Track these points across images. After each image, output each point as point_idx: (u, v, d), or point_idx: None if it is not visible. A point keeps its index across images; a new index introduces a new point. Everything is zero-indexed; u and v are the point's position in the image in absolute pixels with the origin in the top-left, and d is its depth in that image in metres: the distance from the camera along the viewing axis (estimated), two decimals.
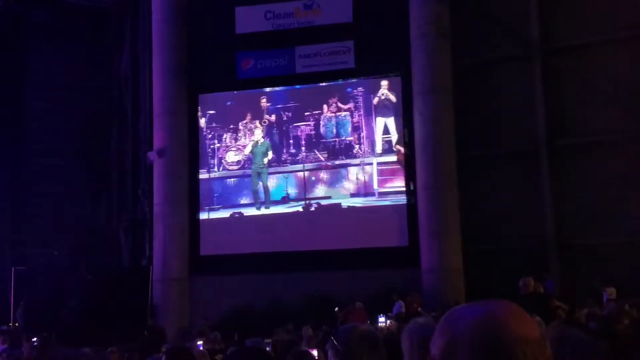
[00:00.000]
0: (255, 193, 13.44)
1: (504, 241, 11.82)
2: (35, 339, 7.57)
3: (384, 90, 12.99)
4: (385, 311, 9.83)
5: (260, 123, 13.55)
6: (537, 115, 12.13)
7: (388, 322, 8.54)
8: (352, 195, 12.99)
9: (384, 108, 13.00)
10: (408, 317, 7.17)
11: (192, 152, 13.58)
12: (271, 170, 13.43)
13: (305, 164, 13.30)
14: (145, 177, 13.97)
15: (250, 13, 13.61)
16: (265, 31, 13.46)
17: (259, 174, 13.45)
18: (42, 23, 14.19)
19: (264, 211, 13.37)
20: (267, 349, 5.24)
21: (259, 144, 13.49)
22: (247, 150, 13.53)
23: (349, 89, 13.23)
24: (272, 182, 13.44)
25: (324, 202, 13.11)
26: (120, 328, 10.67)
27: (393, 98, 12.93)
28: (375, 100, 13.05)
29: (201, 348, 5.76)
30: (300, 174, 13.29)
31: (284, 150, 13.44)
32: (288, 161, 13.40)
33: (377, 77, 13.10)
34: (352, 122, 13.16)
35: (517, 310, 1.04)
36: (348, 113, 13.16)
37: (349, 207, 12.91)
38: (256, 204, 13.41)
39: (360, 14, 12.94)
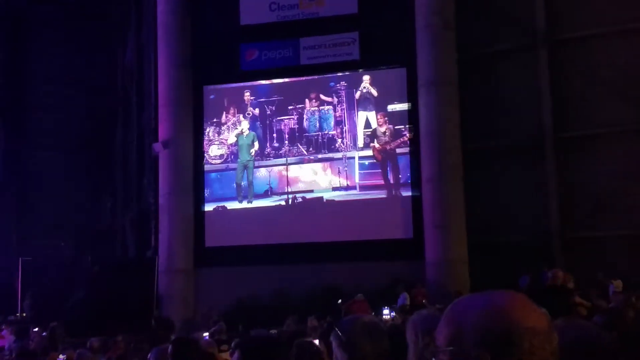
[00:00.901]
0: (238, 186, 13.48)
1: (508, 233, 11.81)
2: (37, 329, 7.62)
3: (366, 85, 13.00)
4: (389, 303, 9.85)
5: (243, 116, 13.55)
6: (542, 107, 12.08)
7: (392, 314, 8.56)
8: (334, 188, 13.04)
9: (365, 102, 13.01)
10: (413, 309, 7.19)
11: (197, 143, 13.60)
12: (255, 164, 13.47)
13: (289, 158, 13.32)
14: (150, 168, 14.00)
15: (255, 4, 13.57)
16: (270, 22, 13.42)
17: (245, 167, 13.49)
18: (47, 15, 14.19)
19: (248, 205, 13.39)
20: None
21: (244, 135, 13.50)
22: (231, 141, 13.53)
23: (332, 83, 13.20)
24: (256, 175, 13.47)
25: (310, 196, 13.14)
26: (126, 319, 10.73)
27: (374, 92, 12.96)
28: (358, 95, 13.04)
29: (207, 338, 5.79)
30: (283, 167, 13.31)
31: (268, 144, 13.46)
32: (271, 155, 13.44)
33: (382, 68, 13.07)
34: (335, 116, 13.18)
35: (523, 300, 1.05)
36: (331, 107, 13.18)
37: (352, 199, 12.94)
38: (239, 197, 13.44)
39: (365, 5, 12.88)
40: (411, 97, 12.58)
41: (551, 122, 12.00)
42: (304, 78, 13.43)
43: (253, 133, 13.52)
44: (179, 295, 12.82)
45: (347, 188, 13.02)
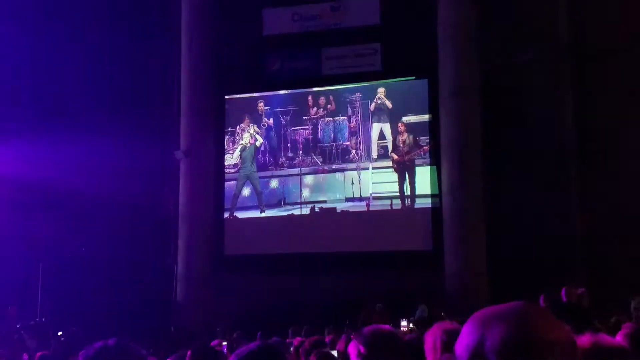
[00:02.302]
0: (235, 197, 13.63)
1: (530, 246, 11.66)
2: (60, 334, 7.68)
3: (381, 96, 12.99)
4: (407, 315, 9.77)
5: (258, 127, 13.61)
6: (566, 119, 11.96)
7: (410, 325, 8.49)
8: (348, 199, 13.05)
9: (380, 113, 13.02)
10: (431, 322, 7.12)
11: (217, 152, 13.72)
12: (268, 174, 13.54)
13: (302, 168, 13.33)
14: (171, 176, 14.10)
15: (277, 15, 13.68)
16: (292, 33, 13.52)
17: (247, 177, 13.54)
18: (69, 22, 14.33)
19: (263, 214, 13.53)
20: (291, 349, 5.25)
21: (247, 148, 13.59)
22: (236, 155, 13.68)
23: (347, 94, 13.24)
24: (269, 185, 13.53)
25: (324, 206, 13.19)
26: (145, 325, 10.79)
27: (389, 104, 12.95)
28: (372, 106, 13.03)
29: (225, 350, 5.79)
30: (297, 177, 13.36)
31: (282, 154, 13.49)
32: (285, 165, 13.48)
33: (404, 79, 13.07)
34: (350, 127, 13.19)
35: (547, 313, 1.03)
36: (345, 118, 13.21)
37: (366, 210, 12.93)
38: (233, 208, 13.60)
39: (388, 16, 12.91)
40: (432, 108, 12.55)
41: (575, 134, 11.86)
42: (323, 89, 13.48)
43: (254, 146, 13.62)
44: (197, 302, 12.87)
45: (360, 199, 13.00)
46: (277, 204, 13.47)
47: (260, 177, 13.65)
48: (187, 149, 13.31)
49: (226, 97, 14.00)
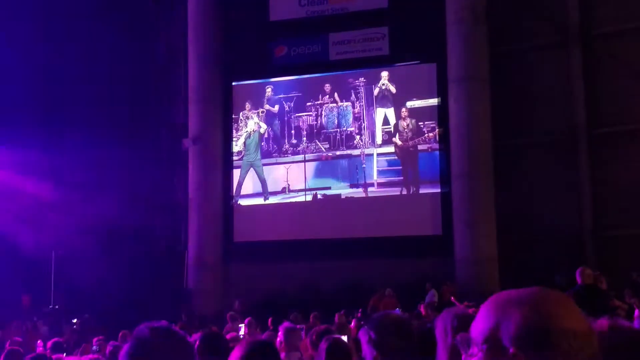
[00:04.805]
0: (238, 185, 13.67)
1: (539, 230, 11.62)
2: (75, 321, 7.75)
3: (384, 81, 12.89)
4: (417, 300, 9.77)
5: (259, 114, 13.56)
6: (575, 103, 11.84)
7: (421, 308, 8.47)
8: (352, 185, 12.98)
9: (383, 99, 12.92)
10: (441, 307, 7.12)
11: (225, 139, 13.72)
12: (272, 160, 13.51)
13: (307, 154, 13.31)
14: (180, 163, 14.12)
15: (284, 0, 13.59)
16: (299, 18, 13.43)
17: (251, 165, 13.51)
18: (79, 10, 14.29)
19: (266, 201, 13.52)
20: (301, 334, 5.25)
21: (251, 135, 13.57)
22: (240, 143, 13.65)
23: (351, 80, 13.13)
24: (274, 172, 13.47)
25: (328, 193, 13.14)
26: (157, 312, 10.84)
27: (393, 89, 12.85)
28: (376, 91, 12.94)
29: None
30: (301, 164, 13.33)
31: (286, 141, 13.45)
32: (289, 152, 13.44)
33: (412, 63, 12.97)
34: (354, 113, 13.10)
35: (564, 299, 1.01)
36: (349, 104, 13.11)
37: (371, 196, 12.89)
38: (237, 196, 13.61)
39: (395, 0, 12.79)
40: (440, 92, 12.46)
41: (584, 117, 11.76)
42: (326, 74, 13.39)
43: (258, 133, 13.58)
44: (208, 289, 12.94)
45: (365, 185, 12.95)
46: (281, 191, 13.45)
47: (264, 165, 13.62)
48: (195, 137, 13.31)
49: (233, 84, 13.96)
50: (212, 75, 13.59)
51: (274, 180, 13.55)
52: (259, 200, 13.59)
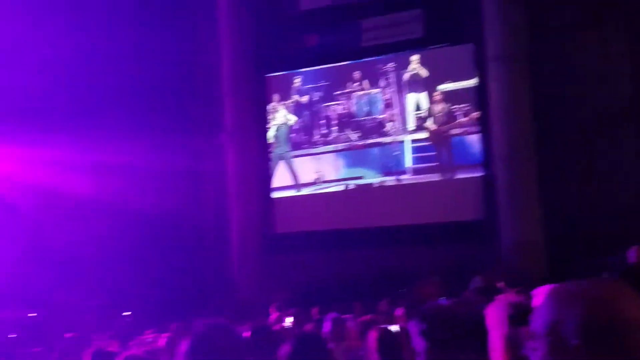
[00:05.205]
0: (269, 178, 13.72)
1: (585, 212, 11.34)
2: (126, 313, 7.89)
3: (416, 65, 12.68)
4: (460, 287, 9.65)
5: (288, 105, 13.54)
6: (620, 80, 11.47)
7: (466, 295, 8.36)
8: (386, 173, 12.86)
9: (415, 83, 12.71)
10: (488, 293, 7.01)
11: (261, 131, 13.80)
12: (302, 152, 13.50)
13: (337, 144, 13.20)
14: (217, 157, 14.23)
15: None
16: (330, 6, 13.35)
17: (281, 157, 13.56)
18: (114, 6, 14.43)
19: (299, 193, 13.54)
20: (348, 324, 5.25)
21: (281, 127, 13.59)
22: (271, 135, 13.66)
23: (379, 65, 12.93)
24: (305, 164, 13.47)
25: (361, 182, 13.02)
26: (201, 304, 11.02)
27: (425, 73, 12.62)
28: (406, 76, 12.75)
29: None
30: (332, 154, 13.27)
31: (316, 132, 13.38)
32: (320, 142, 13.37)
33: (447, 45, 12.74)
34: (384, 100, 12.93)
35: (628, 290, 0.98)
36: (380, 90, 12.93)
37: (406, 184, 12.75)
38: (269, 188, 13.63)
39: None
40: (478, 73, 12.24)
41: (631, 95, 11.38)
42: (356, 62, 13.27)
43: (288, 125, 13.57)
44: (250, 281, 13.07)
45: (399, 172, 12.81)
46: (313, 183, 13.44)
47: (294, 156, 13.63)
48: (231, 130, 13.43)
49: (266, 75, 14.00)
50: (246, 68, 13.65)
51: (305, 171, 13.54)
52: (292, 192, 13.64)
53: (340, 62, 13.51)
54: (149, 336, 6.33)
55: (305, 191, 13.54)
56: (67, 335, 6.19)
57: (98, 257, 13.06)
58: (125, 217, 13.42)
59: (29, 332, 8.93)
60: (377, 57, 13.10)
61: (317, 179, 13.43)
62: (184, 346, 1.88)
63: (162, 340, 5.63)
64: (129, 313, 10.33)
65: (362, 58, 13.30)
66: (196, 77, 14.76)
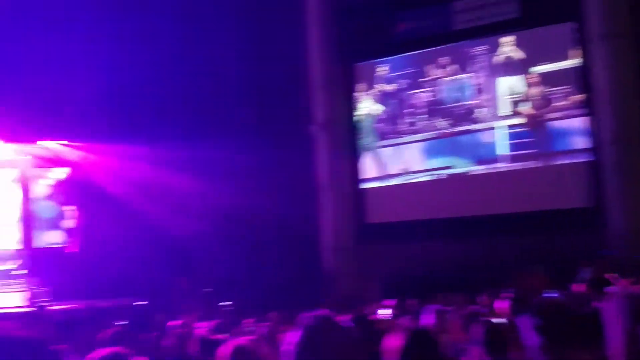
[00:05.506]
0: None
1: None
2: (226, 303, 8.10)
3: (508, 47, 12.03)
4: (567, 278, 9.17)
5: (374, 94, 13.29)
6: None
7: (574, 287, 7.94)
8: (480, 162, 12.33)
9: (508, 67, 12.07)
10: (599, 284, 6.62)
11: (351, 122, 13.73)
12: (389, 142, 13.23)
13: (425, 133, 12.79)
14: (307, 149, 14.30)
15: None
16: None
17: (367, 148, 13.33)
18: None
19: (390, 183, 13.28)
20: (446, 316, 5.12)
21: (367, 117, 13.32)
22: (358, 125, 13.52)
23: (468, 49, 12.40)
24: (392, 154, 13.21)
25: (452, 172, 12.59)
26: (295, 295, 11.13)
27: (519, 55, 11.93)
28: (499, 59, 12.13)
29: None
30: (420, 143, 12.88)
31: (403, 120, 13.05)
32: (407, 131, 13.02)
33: (545, 24, 12.07)
34: (475, 84, 12.38)
35: None
36: (470, 75, 12.39)
37: (502, 171, 12.21)
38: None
39: None
40: (579, 53, 11.53)
41: None
42: (445, 46, 12.83)
43: (373, 115, 13.34)
44: (342, 272, 13.09)
45: (492, 160, 12.29)
46: (402, 173, 13.17)
47: (381, 146, 13.41)
48: (321, 121, 13.47)
49: (355, 64, 13.89)
50: (334, 58, 13.60)
51: (393, 162, 13.30)
52: (380, 183, 13.48)
53: (429, 47, 13.16)
54: (248, 325, 6.47)
55: (393, 181, 13.36)
56: (172, 322, 6.44)
57: (200, 250, 13.56)
58: (222, 210, 13.81)
59: (137, 319, 9.38)
60: (466, 41, 12.64)
61: (405, 169, 13.19)
62: (290, 337, 1.91)
63: (262, 329, 5.74)
64: (230, 303, 10.65)
65: (453, 42, 12.88)
66: (283, 69, 14.86)
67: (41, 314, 11.11)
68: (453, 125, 12.67)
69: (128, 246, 12.95)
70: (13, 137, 13.07)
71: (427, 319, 4.88)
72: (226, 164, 14.05)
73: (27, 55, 12.82)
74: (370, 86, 13.66)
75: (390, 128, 13.39)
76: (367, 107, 13.66)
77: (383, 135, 13.51)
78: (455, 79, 12.71)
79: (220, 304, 10.47)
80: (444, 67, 12.82)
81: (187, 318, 6.92)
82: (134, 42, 13.45)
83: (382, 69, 13.53)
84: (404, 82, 13.27)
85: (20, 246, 13.08)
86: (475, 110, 12.50)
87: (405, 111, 13.23)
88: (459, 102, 12.66)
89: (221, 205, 13.84)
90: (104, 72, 13.43)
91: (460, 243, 12.08)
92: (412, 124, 13.13)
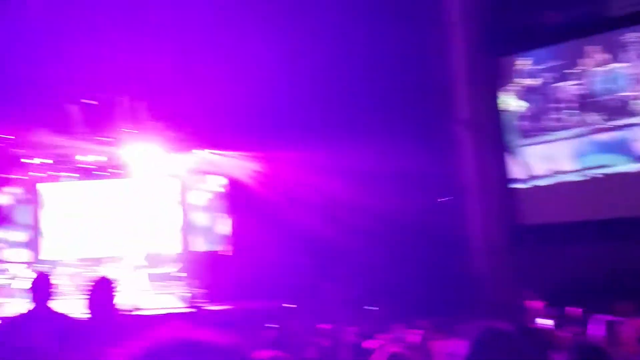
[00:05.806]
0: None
1: None
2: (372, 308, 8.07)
3: None
4: None
5: (517, 90, 12.50)
6: None
7: None
8: (637, 159, 11.15)
9: None
10: None
11: (498, 119, 13.15)
12: (533, 140, 12.42)
13: (574, 129, 11.77)
14: (452, 148, 13.92)
15: None
16: None
17: (512, 147, 12.63)
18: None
19: (541, 183, 12.40)
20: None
21: (508, 114, 12.60)
22: (502, 122, 12.78)
23: (621, 37, 11.22)
24: (537, 152, 12.35)
25: (608, 171, 11.51)
26: (443, 300, 10.84)
27: None
28: None
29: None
30: (568, 141, 11.88)
31: (548, 116, 12.13)
32: (554, 128, 12.07)
33: None
34: (632, 75, 11.16)
35: None
36: (625, 65, 11.24)
37: None
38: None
39: None
40: None
41: None
42: (596, 35, 11.81)
43: (517, 110, 12.58)
44: (494, 277, 12.56)
45: None
46: (549, 174, 12.31)
47: (524, 145, 12.67)
48: (467, 119, 13.06)
49: (500, 58, 13.27)
50: (480, 54, 13.13)
51: (540, 160, 12.51)
52: (527, 184, 12.73)
53: (582, 37, 12.21)
54: (397, 331, 6.36)
55: (541, 182, 12.55)
56: (322, 326, 6.51)
57: (348, 254, 13.69)
58: (368, 215, 13.85)
59: (287, 322, 9.66)
60: (622, 29, 11.54)
61: (554, 168, 12.34)
62: (447, 347, 1.80)
63: (412, 337, 5.61)
64: (376, 308, 10.62)
65: (603, 31, 11.83)
66: (424, 67, 14.55)
67: (199, 314, 11.86)
68: (607, 120, 11.67)
69: (279, 251, 13.39)
70: (174, 147, 14.10)
71: (596, 330, 4.46)
72: (371, 168, 14.09)
73: (186, 66, 13.71)
74: (514, 81, 12.99)
75: (536, 125, 12.63)
76: (510, 103, 13.00)
77: (527, 133, 12.78)
78: (608, 69, 11.67)
79: (366, 307, 10.46)
80: (594, 57, 11.84)
81: (337, 323, 6.96)
82: (290, 51, 13.93)
83: (525, 63, 12.80)
84: (549, 76, 12.45)
85: (180, 250, 14.10)
86: (632, 102, 11.40)
87: (551, 106, 12.41)
88: (612, 94, 11.62)
89: (367, 210, 13.87)
90: (258, 81, 13.96)
91: (618, 245, 11.06)
92: (559, 119, 12.27)
